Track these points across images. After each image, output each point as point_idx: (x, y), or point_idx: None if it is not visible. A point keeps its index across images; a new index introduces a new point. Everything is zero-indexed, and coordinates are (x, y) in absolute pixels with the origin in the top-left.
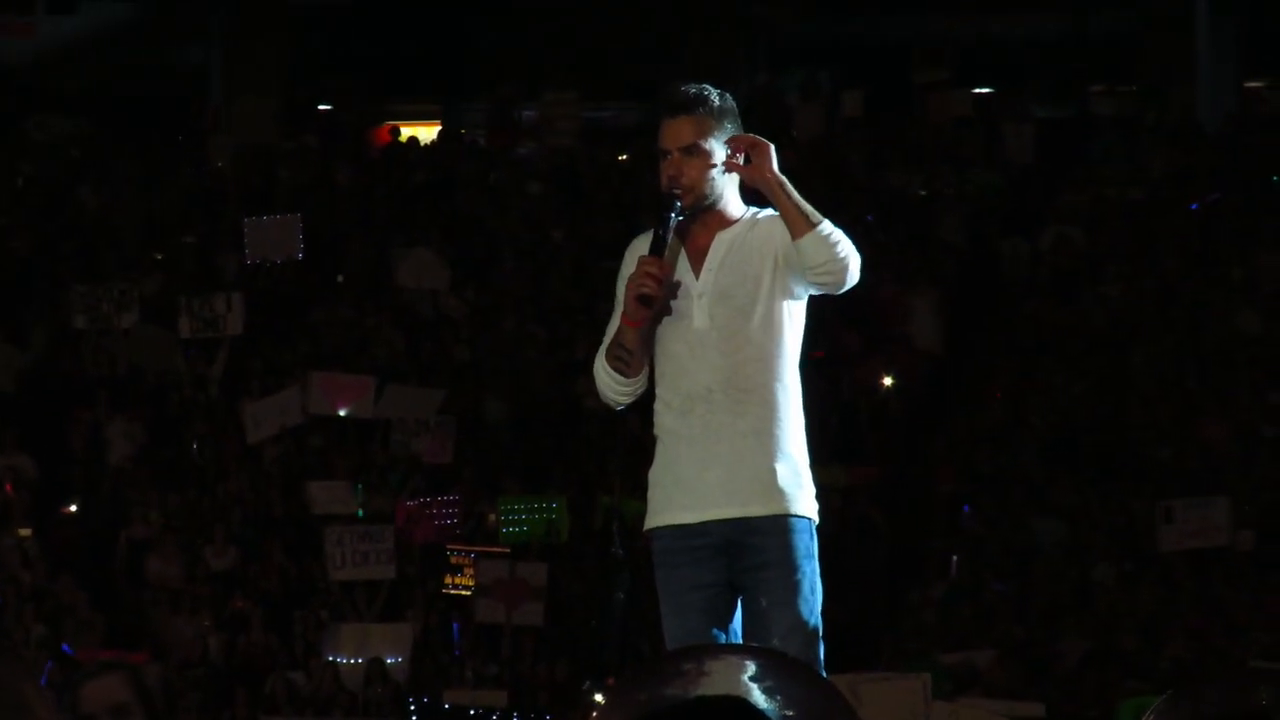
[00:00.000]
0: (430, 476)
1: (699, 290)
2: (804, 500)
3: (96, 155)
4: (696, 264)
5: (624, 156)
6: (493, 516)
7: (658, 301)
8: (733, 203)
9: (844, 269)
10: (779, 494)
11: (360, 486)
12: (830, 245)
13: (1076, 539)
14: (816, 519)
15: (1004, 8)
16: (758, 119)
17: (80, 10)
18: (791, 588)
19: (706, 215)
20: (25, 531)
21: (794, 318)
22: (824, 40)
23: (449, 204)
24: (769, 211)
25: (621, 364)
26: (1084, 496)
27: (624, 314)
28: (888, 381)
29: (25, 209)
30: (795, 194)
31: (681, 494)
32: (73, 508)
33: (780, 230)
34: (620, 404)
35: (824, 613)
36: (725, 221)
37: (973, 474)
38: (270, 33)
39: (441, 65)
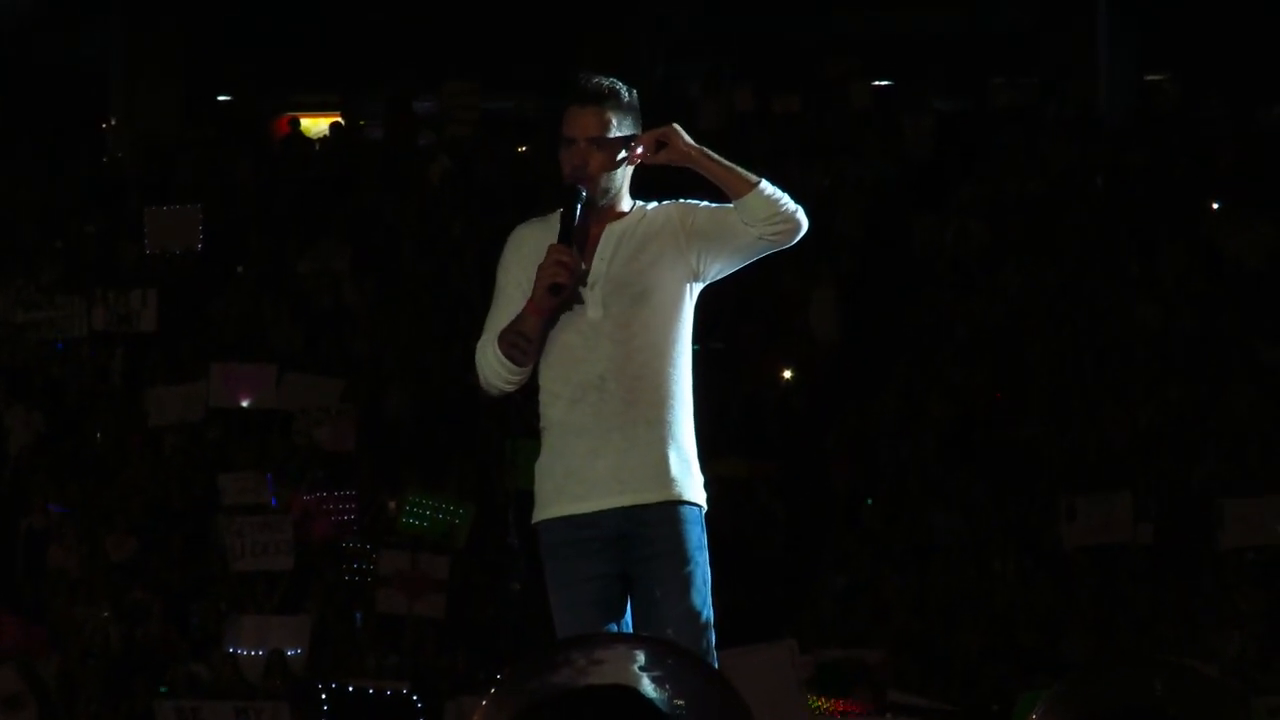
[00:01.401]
0: (330, 466)
1: (591, 280)
2: (694, 488)
3: None
4: (588, 254)
5: (523, 148)
6: (393, 504)
7: (566, 290)
8: (625, 197)
9: (795, 217)
10: (671, 481)
11: (270, 477)
12: (774, 199)
13: (975, 533)
14: (705, 507)
15: (903, 3)
16: (659, 112)
17: None
18: (684, 578)
19: (598, 207)
20: None
21: (689, 305)
22: (722, 36)
23: (349, 196)
24: (656, 203)
25: (517, 351)
26: (983, 490)
27: (531, 301)
28: (787, 374)
29: None
30: (722, 159)
31: (572, 484)
32: None
33: (678, 214)
34: (505, 391)
35: (722, 604)
36: (615, 214)
37: (871, 467)
38: (169, 20)
39: (341, 55)
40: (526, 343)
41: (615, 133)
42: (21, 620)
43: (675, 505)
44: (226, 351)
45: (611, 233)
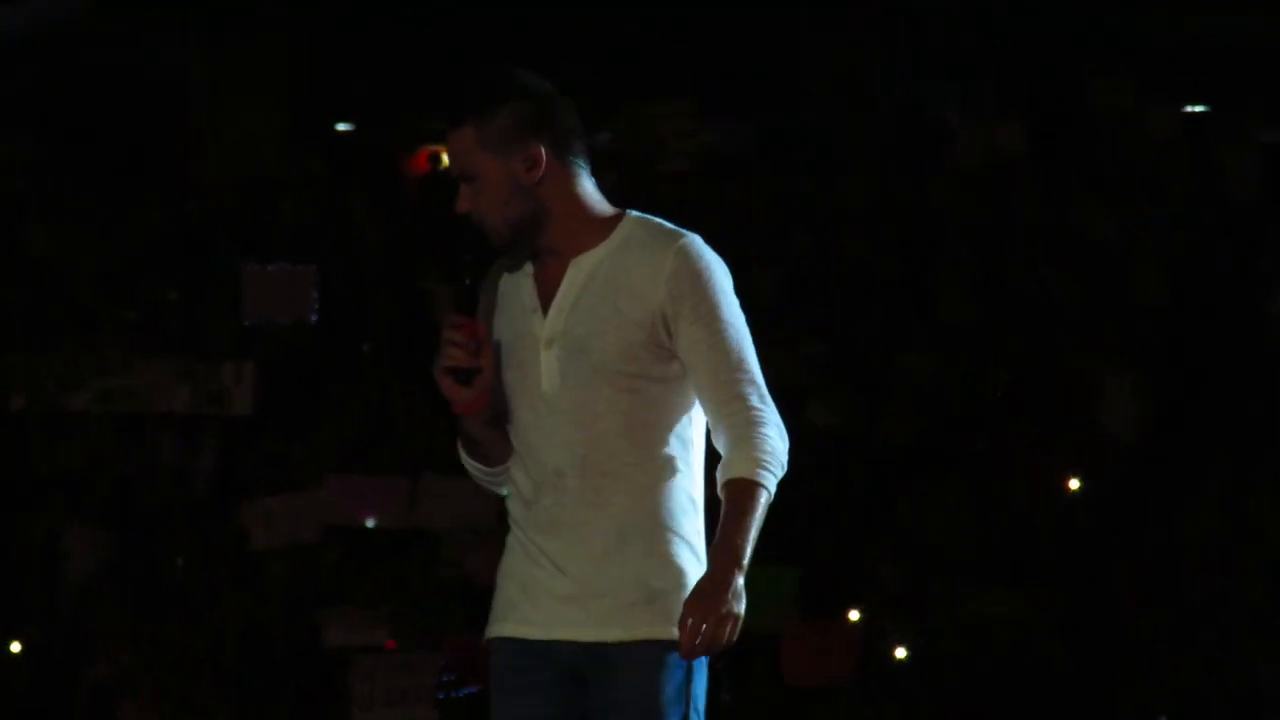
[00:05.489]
0: (482, 603)
1: (547, 336)
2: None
3: (47, 186)
4: (545, 300)
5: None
6: None
7: (481, 375)
8: (580, 215)
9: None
10: (645, 614)
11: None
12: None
13: None
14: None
15: (1221, 6)
16: (903, 146)
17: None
18: None
19: (552, 234)
20: None
21: (678, 370)
22: (985, 46)
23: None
24: (646, 226)
25: (474, 454)
26: None
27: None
28: (1073, 484)
29: None
30: (746, 540)
31: (526, 602)
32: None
33: (667, 293)
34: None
35: None
36: (584, 242)
37: (1181, 601)
38: (270, 30)
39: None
40: (473, 444)
41: (490, 152)
42: None
43: (648, 646)
44: (347, 454)
45: (578, 270)
